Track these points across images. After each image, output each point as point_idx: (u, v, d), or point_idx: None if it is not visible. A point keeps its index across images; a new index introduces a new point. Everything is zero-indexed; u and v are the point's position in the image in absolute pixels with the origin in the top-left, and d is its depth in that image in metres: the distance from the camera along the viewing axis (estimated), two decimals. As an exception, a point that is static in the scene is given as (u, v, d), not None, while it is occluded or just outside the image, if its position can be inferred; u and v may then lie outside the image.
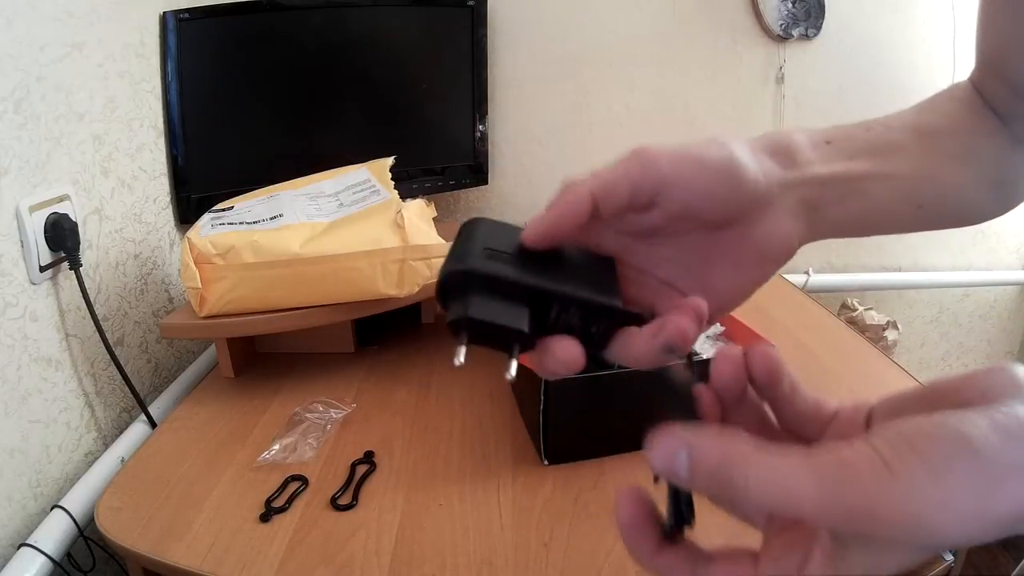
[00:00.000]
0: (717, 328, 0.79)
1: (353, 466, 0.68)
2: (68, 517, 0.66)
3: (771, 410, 0.28)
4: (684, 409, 0.27)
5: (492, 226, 0.29)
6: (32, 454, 0.70)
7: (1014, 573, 0.53)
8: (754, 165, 0.30)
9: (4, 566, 0.61)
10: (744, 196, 0.29)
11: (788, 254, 0.32)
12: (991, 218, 0.40)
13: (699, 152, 0.29)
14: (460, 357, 0.25)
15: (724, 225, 0.30)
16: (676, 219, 0.29)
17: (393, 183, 0.87)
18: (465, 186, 1.21)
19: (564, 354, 0.26)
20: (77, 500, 0.69)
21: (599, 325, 0.27)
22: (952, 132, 0.39)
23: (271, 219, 0.80)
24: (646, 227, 0.29)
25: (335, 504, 0.63)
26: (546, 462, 0.69)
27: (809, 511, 0.20)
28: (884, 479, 0.19)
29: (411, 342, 0.98)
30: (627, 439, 0.70)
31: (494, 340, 0.26)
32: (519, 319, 0.25)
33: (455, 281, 0.26)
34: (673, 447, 0.23)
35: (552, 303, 0.26)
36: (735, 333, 0.78)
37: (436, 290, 0.26)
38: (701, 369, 0.35)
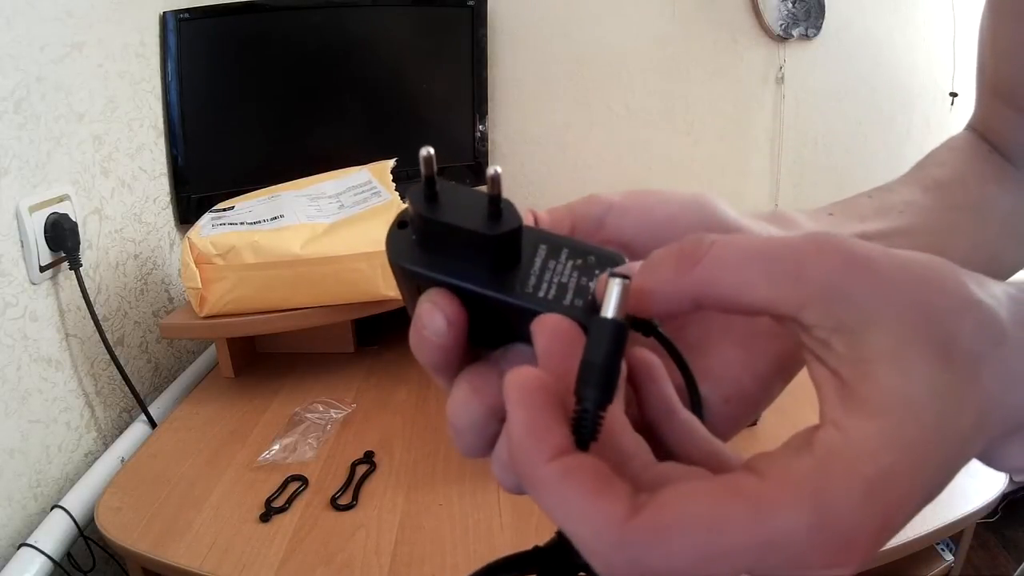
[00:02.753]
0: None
1: (353, 466, 0.68)
2: (68, 517, 0.66)
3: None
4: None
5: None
6: (32, 454, 0.70)
7: (1015, 574, 0.53)
8: (733, 212, 0.25)
9: (4, 566, 0.61)
10: (717, 227, 0.23)
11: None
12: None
13: (663, 190, 0.24)
14: None
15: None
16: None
17: (394, 184, 0.87)
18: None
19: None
20: (77, 500, 0.69)
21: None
22: (960, 182, 0.35)
23: (272, 220, 0.80)
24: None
25: (335, 504, 0.63)
26: None
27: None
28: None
29: (411, 342, 0.98)
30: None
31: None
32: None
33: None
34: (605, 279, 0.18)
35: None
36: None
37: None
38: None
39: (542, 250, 0.21)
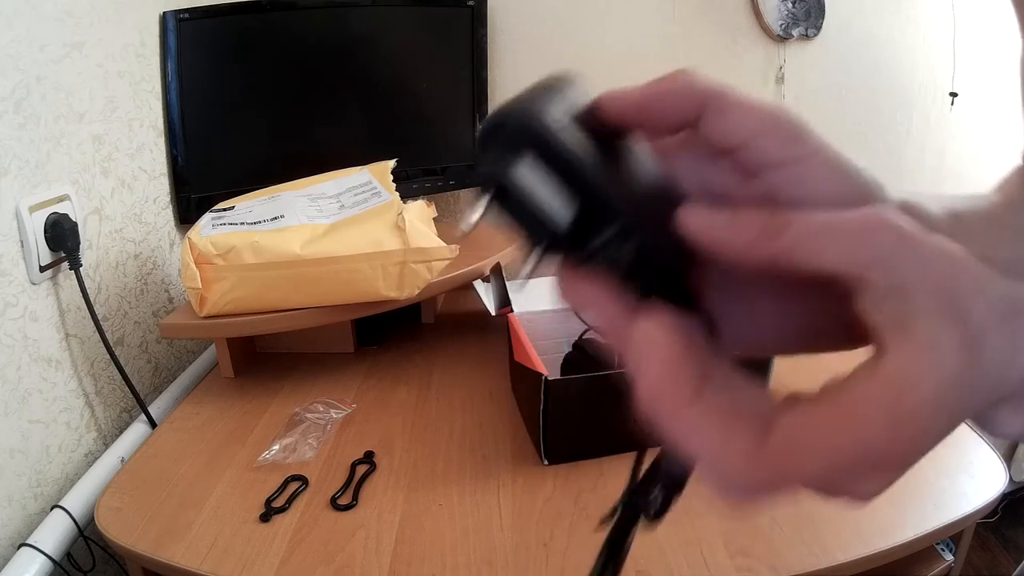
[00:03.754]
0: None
1: (353, 466, 0.68)
2: (68, 517, 0.66)
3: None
4: None
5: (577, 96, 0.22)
6: (32, 454, 0.70)
7: (1014, 573, 0.53)
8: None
9: (4, 566, 0.61)
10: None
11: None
12: None
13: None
14: (473, 217, 0.20)
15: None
16: None
17: (394, 184, 0.87)
18: (465, 186, 1.21)
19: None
20: (77, 500, 0.69)
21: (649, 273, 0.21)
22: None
23: (272, 220, 0.80)
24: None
25: (335, 504, 0.63)
26: (546, 462, 0.69)
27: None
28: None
29: (411, 342, 0.98)
30: (627, 439, 0.70)
31: (521, 219, 0.20)
32: (562, 215, 0.20)
33: (514, 128, 0.20)
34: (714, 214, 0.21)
35: (608, 220, 0.20)
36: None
37: (482, 129, 0.21)
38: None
39: None
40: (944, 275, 0.20)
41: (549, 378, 0.64)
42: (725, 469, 0.20)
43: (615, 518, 0.26)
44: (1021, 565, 0.53)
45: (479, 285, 0.91)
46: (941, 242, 0.20)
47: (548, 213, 0.20)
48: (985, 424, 0.21)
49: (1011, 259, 0.31)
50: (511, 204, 0.20)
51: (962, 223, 0.30)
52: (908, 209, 0.27)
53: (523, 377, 0.72)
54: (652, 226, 0.21)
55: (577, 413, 0.68)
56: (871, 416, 0.19)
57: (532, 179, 0.19)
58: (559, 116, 0.21)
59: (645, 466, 0.27)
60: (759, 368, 0.72)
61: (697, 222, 0.22)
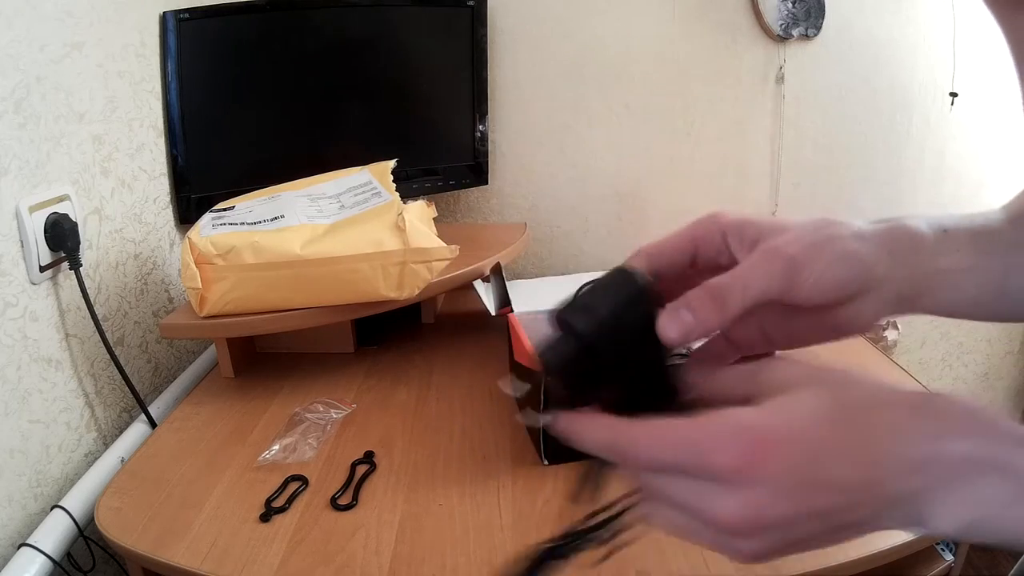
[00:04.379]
0: (717, 328, 0.79)
1: (353, 466, 0.68)
2: (68, 517, 0.66)
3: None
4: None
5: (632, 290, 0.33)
6: (32, 454, 0.70)
7: (1012, 572, 0.53)
8: (863, 264, 0.34)
9: (4, 566, 0.61)
10: (845, 294, 0.34)
11: (868, 329, 0.36)
12: None
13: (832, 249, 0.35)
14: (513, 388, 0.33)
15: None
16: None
17: (394, 184, 0.87)
18: (465, 186, 1.21)
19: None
20: (77, 500, 0.69)
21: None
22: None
23: (272, 220, 0.80)
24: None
25: (335, 504, 0.63)
26: (546, 462, 0.69)
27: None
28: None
29: (411, 342, 0.98)
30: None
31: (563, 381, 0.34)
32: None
33: (568, 331, 0.32)
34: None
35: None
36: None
37: (553, 318, 0.32)
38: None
39: None
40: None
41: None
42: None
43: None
44: (1019, 562, 0.53)
45: (479, 285, 0.91)
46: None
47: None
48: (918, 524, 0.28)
49: (1009, 264, 0.37)
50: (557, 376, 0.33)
51: (950, 237, 0.36)
52: (898, 230, 0.36)
53: (523, 377, 0.72)
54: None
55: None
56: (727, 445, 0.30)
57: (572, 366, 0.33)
58: (606, 317, 0.32)
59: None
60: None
61: (670, 329, 0.33)
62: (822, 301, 0.34)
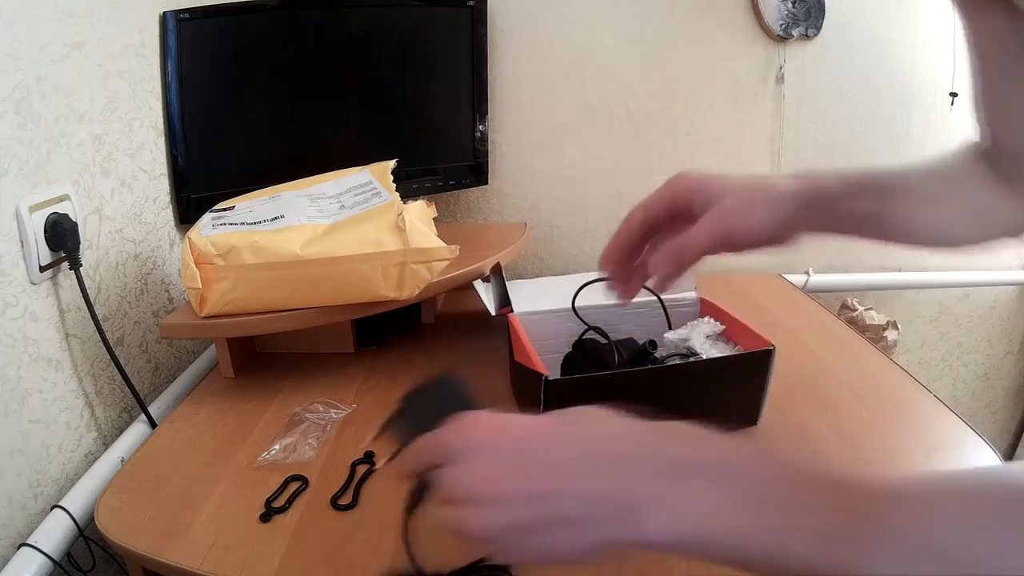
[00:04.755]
0: (717, 327, 0.79)
1: (353, 466, 0.68)
2: (68, 517, 0.66)
3: None
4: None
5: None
6: (32, 454, 0.70)
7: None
8: (784, 215, 0.48)
9: (4, 566, 0.61)
10: (772, 239, 0.48)
11: (788, 247, 0.49)
12: (980, 246, 0.50)
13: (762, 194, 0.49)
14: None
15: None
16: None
17: (394, 184, 0.87)
18: (465, 186, 1.21)
19: None
20: (77, 500, 0.69)
21: None
22: (950, 180, 0.50)
23: (272, 220, 0.80)
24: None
25: (335, 504, 0.63)
26: None
27: None
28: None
29: (411, 342, 0.98)
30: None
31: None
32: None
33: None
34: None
35: None
36: (735, 333, 0.78)
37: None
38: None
39: None
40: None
41: (549, 378, 0.64)
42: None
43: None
44: None
45: (479, 285, 0.91)
46: None
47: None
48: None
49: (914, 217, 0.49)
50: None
51: (855, 189, 0.49)
52: (811, 183, 0.49)
53: (523, 377, 0.72)
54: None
55: None
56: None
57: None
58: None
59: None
60: (760, 366, 0.72)
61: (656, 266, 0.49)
62: (752, 247, 0.48)
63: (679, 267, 0.47)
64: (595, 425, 0.36)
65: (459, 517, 0.34)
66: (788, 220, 0.47)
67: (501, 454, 0.35)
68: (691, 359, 0.73)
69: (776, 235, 0.47)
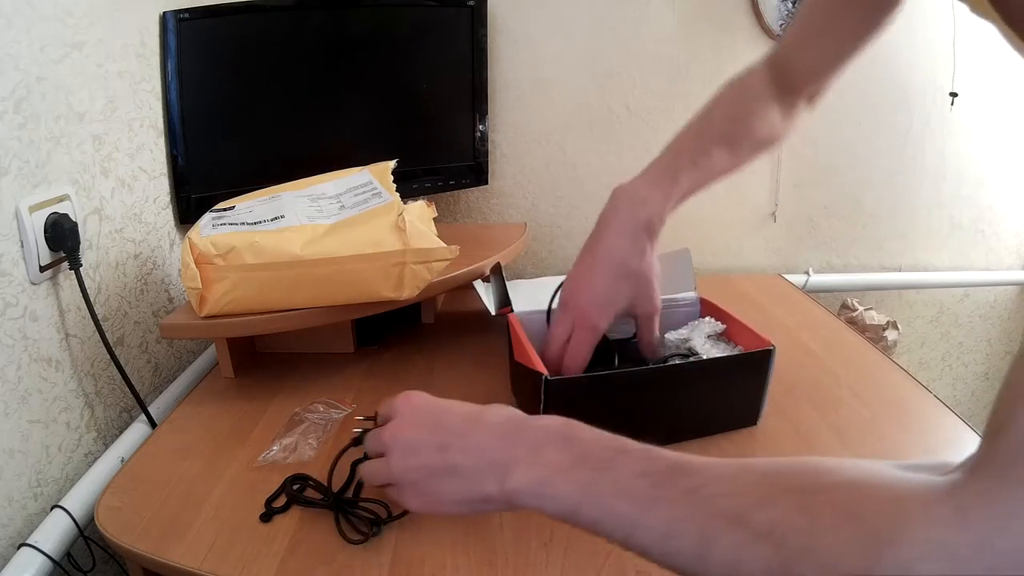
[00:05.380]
0: (717, 327, 0.79)
1: (353, 466, 0.68)
2: (68, 517, 0.66)
3: None
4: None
5: None
6: (32, 454, 0.70)
7: None
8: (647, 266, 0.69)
9: (4, 566, 0.61)
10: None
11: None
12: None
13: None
14: None
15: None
16: None
17: (394, 185, 0.87)
18: (465, 186, 1.21)
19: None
20: (77, 500, 0.69)
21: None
22: (746, 130, 0.73)
23: (272, 220, 0.80)
24: None
25: (335, 504, 0.63)
26: None
27: None
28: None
29: (411, 342, 0.98)
30: (625, 435, 0.70)
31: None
32: None
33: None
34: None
35: None
36: (735, 333, 0.78)
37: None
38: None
39: None
40: None
41: (549, 377, 0.64)
42: None
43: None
44: None
45: (479, 285, 0.91)
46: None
47: None
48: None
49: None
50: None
51: (699, 169, 0.70)
52: (650, 229, 0.69)
53: (523, 377, 0.72)
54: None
55: (575, 412, 0.68)
56: None
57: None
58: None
59: None
60: (760, 366, 0.72)
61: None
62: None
63: (583, 360, 0.70)
64: (498, 412, 0.47)
65: (376, 464, 0.51)
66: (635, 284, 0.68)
67: (422, 415, 0.49)
68: (691, 359, 0.73)
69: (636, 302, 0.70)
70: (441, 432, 0.46)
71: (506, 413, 0.47)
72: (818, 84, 0.73)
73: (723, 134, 0.70)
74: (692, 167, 0.68)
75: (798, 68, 0.71)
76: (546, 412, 0.66)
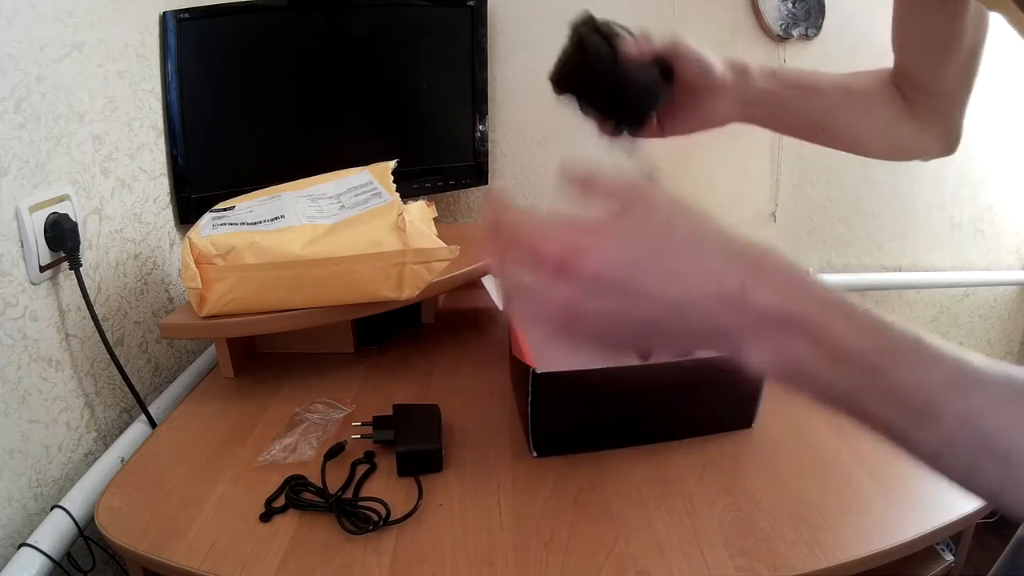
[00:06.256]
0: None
1: (353, 466, 0.68)
2: (68, 517, 0.66)
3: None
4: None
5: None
6: (32, 454, 0.70)
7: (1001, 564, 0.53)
8: (719, 65, 0.59)
9: (4, 566, 0.61)
10: (709, 77, 0.59)
11: (723, 121, 0.62)
12: (884, 159, 0.66)
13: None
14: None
15: (697, 94, 0.60)
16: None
17: (394, 185, 0.87)
18: (465, 186, 1.21)
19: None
20: (77, 500, 0.69)
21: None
22: (863, 93, 0.62)
23: (272, 220, 0.80)
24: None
25: (335, 504, 0.63)
26: (534, 454, 0.69)
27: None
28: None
29: (411, 342, 0.98)
30: (616, 434, 0.70)
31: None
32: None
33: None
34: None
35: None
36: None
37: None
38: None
39: None
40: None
41: (538, 371, 0.65)
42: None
43: None
44: (996, 563, 0.54)
45: (488, 280, 0.90)
46: None
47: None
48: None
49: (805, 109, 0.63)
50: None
51: (776, 77, 0.61)
52: (737, 62, 0.60)
53: (517, 371, 0.73)
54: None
55: (565, 406, 0.68)
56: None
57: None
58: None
59: None
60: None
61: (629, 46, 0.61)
62: (697, 78, 0.59)
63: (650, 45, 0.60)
64: (679, 248, 0.33)
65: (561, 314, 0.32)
66: (720, 70, 0.58)
67: (595, 275, 0.31)
68: (686, 357, 0.73)
69: (708, 80, 0.58)
70: (637, 305, 0.32)
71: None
72: (926, 88, 0.60)
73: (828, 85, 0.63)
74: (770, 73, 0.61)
75: (902, 69, 0.61)
76: (535, 403, 0.66)
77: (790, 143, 1.29)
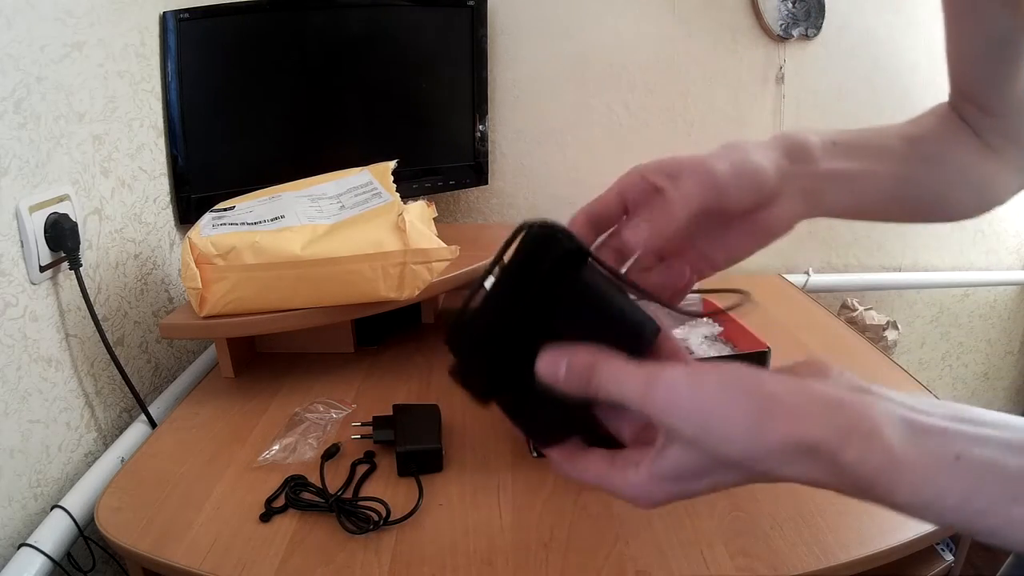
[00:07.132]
0: (715, 328, 0.79)
1: (353, 466, 0.68)
2: (68, 517, 0.66)
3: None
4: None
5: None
6: (32, 454, 0.70)
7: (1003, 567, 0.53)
8: (769, 165, 0.38)
9: (4, 566, 0.61)
10: (763, 191, 0.38)
11: (789, 228, 0.41)
12: (972, 216, 0.50)
13: (737, 160, 0.37)
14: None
15: (753, 213, 0.39)
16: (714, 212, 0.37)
17: (395, 185, 0.87)
18: (465, 186, 1.21)
19: None
20: (77, 500, 0.69)
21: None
22: (932, 139, 0.48)
23: (272, 220, 0.80)
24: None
25: (335, 504, 0.63)
26: (534, 454, 0.69)
27: (635, 402, 0.29)
28: (685, 385, 0.28)
29: (411, 342, 0.98)
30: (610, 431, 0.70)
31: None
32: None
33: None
34: (557, 358, 0.32)
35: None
36: (733, 334, 0.78)
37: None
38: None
39: None
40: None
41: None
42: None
43: None
44: (1005, 564, 0.53)
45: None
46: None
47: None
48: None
49: (886, 171, 0.44)
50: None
51: (838, 148, 0.43)
52: (790, 139, 0.41)
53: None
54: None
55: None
56: (643, 482, 0.32)
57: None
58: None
59: None
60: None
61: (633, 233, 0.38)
62: (747, 202, 0.38)
63: (660, 235, 0.36)
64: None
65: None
66: (774, 168, 0.38)
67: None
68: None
69: (766, 189, 0.38)
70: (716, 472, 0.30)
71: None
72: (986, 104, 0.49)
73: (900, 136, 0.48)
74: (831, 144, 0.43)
75: (957, 84, 0.51)
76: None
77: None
